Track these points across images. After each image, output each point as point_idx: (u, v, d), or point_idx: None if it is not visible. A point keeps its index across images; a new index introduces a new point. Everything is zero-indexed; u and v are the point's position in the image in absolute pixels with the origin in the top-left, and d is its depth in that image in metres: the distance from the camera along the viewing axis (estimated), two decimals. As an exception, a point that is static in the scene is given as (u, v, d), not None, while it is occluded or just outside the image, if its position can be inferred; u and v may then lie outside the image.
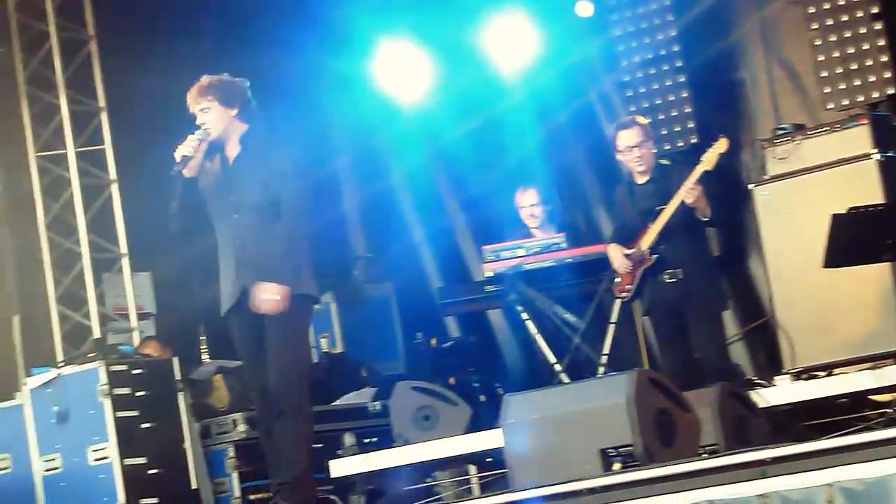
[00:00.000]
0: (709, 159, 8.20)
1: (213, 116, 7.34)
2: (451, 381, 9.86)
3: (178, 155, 7.19)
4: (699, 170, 8.15)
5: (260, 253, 7.23)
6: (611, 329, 8.96)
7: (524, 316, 9.25)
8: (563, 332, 9.12)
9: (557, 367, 9.03)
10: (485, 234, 10.55)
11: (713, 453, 6.49)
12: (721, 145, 8.25)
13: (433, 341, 10.55)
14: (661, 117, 10.68)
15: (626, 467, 6.13)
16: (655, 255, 8.28)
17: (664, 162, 8.77)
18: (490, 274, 9.29)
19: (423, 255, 11.96)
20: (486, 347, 11.01)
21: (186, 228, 7.23)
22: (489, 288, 9.41)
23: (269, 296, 7.13)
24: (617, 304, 9.02)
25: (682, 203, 8.22)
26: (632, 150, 8.42)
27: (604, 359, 8.92)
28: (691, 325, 8.34)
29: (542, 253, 9.20)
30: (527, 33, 11.02)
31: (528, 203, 9.79)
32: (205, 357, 10.57)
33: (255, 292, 7.15)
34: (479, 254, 9.63)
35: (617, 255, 8.52)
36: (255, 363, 7.37)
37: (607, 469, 6.19)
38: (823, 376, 8.58)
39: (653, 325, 8.71)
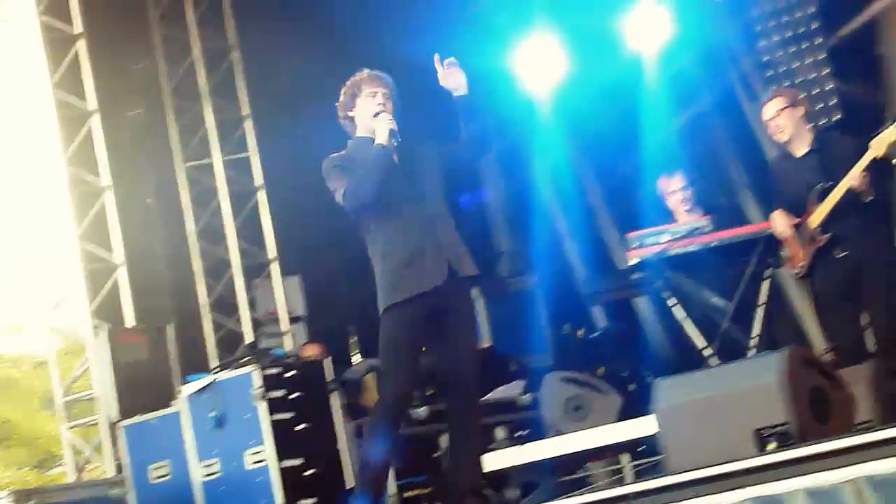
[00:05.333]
0: (878, 145, 7.98)
1: (390, 108, 7.22)
2: (600, 371, 9.82)
3: (391, 126, 7.13)
4: (868, 156, 7.94)
5: (453, 240, 7.22)
6: (760, 311, 8.87)
7: (671, 302, 9.19)
8: (712, 316, 9.05)
9: (707, 352, 8.97)
10: (628, 221, 10.50)
11: (869, 429, 6.39)
12: (893, 133, 8.02)
13: (580, 332, 10.53)
14: (802, 96, 10.55)
15: (782, 446, 6.06)
16: (827, 235, 8.11)
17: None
18: (635, 261, 9.21)
19: (567, 246, 11.96)
20: (634, 336, 10.93)
21: (377, 203, 7.09)
22: (634, 275, 9.32)
23: None
24: (766, 285, 8.94)
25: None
26: (774, 119, 8.26)
27: (754, 341, 8.84)
28: (866, 299, 8.15)
29: (687, 237, 9.10)
30: (664, 18, 10.95)
31: (677, 188, 9.70)
32: (356, 357, 10.66)
33: None
34: (623, 241, 9.58)
35: (781, 222, 8.35)
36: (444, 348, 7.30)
37: (762, 449, 6.13)
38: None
39: (823, 302, 8.52)
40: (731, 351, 8.93)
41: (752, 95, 11.23)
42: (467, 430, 7.22)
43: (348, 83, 7.30)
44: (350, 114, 7.28)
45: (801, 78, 10.61)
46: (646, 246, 9.18)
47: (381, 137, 7.07)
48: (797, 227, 8.26)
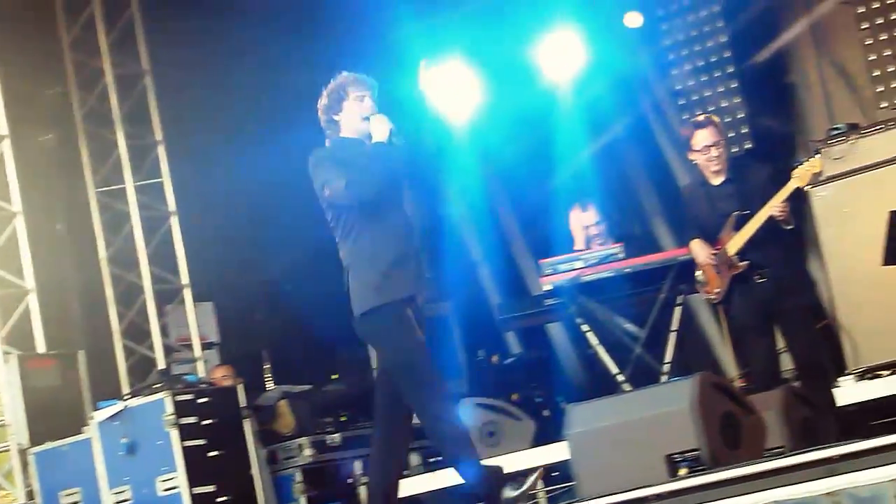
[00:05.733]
0: (802, 176, 8.08)
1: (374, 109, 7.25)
2: (514, 396, 9.83)
3: (390, 126, 7.09)
4: (792, 186, 8.04)
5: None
6: (672, 337, 8.93)
7: (584, 328, 9.23)
8: (625, 342, 9.09)
9: (620, 378, 9.01)
10: (542, 248, 10.54)
11: (779, 455, 6.45)
12: (815, 164, 8.12)
13: (494, 358, 10.54)
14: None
15: (693, 472, 6.10)
16: (745, 262, 8.18)
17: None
18: (548, 287, 9.26)
19: (481, 273, 11.97)
20: (548, 362, 10.97)
21: (377, 201, 7.08)
22: (548, 301, 9.37)
23: None
24: (678, 311, 9.00)
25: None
26: (708, 149, 8.31)
27: (666, 367, 8.89)
28: (783, 324, 8.23)
29: (600, 264, 9.16)
30: (577, 47, 11.01)
31: (590, 222, 9.77)
32: (269, 383, 10.62)
33: None
34: (537, 268, 9.61)
35: (701, 251, 8.42)
36: None
37: (673, 475, 6.17)
38: (888, 375, 8.52)
39: (739, 327, 8.59)
40: (643, 377, 8.97)
41: (665, 123, 11.34)
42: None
43: (332, 86, 7.25)
44: (335, 117, 7.22)
45: (712, 107, 10.72)
46: (559, 272, 9.22)
47: (381, 136, 7.07)
48: (714, 254, 8.33)
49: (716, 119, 8.57)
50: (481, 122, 11.51)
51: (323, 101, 7.27)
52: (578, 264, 9.22)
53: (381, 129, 7.08)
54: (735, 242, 8.18)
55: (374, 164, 7.00)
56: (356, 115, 7.17)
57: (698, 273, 8.48)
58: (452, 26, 11.26)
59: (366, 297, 7.00)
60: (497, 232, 11.99)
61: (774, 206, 8.01)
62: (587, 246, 9.72)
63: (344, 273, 7.15)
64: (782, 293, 8.12)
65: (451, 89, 11.41)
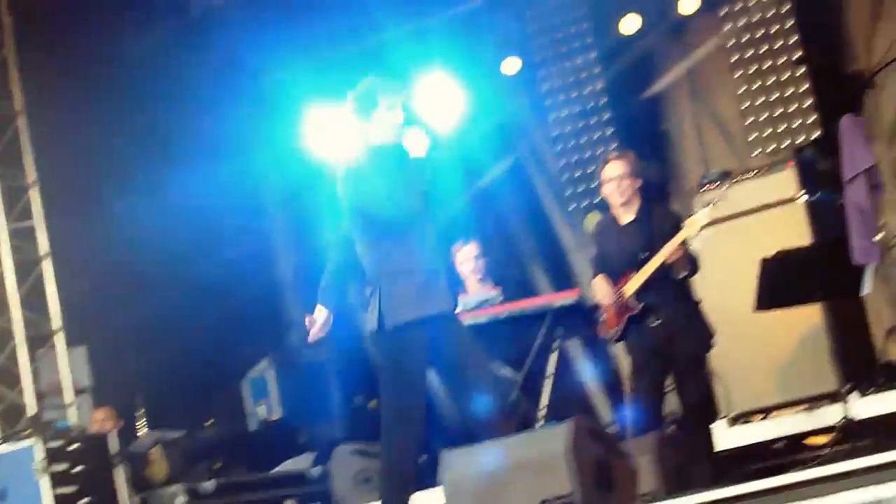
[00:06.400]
0: (691, 226, 8.14)
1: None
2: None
3: (426, 142, 6.96)
4: (681, 235, 8.11)
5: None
6: (548, 382, 8.96)
7: (461, 373, 9.20)
8: (501, 387, 9.08)
9: (496, 423, 8.99)
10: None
11: (652, 500, 6.49)
12: (707, 216, 8.20)
13: (372, 403, 10.50)
14: (591, 170, 10.78)
15: (567, 518, 6.11)
16: (642, 304, 8.23)
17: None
18: (426, 332, 9.23)
19: (360, 317, 11.91)
20: (426, 406, 10.95)
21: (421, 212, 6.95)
22: (426, 346, 9.33)
23: None
24: (554, 356, 9.03)
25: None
26: (613, 181, 8.35)
27: (542, 412, 8.91)
28: (674, 368, 8.29)
29: (478, 308, 9.18)
30: (454, 92, 11.03)
31: (469, 257, 9.78)
32: (143, 428, 10.48)
33: None
34: (416, 312, 9.57)
35: (602, 290, 8.48)
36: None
37: (547, 520, 6.17)
38: (760, 420, 8.62)
39: (633, 368, 8.65)
40: (521, 421, 8.98)
41: (542, 169, 11.42)
42: None
43: (361, 92, 7.06)
44: (366, 125, 7.05)
45: (588, 153, 10.81)
46: (437, 317, 9.19)
47: (419, 151, 6.96)
48: (614, 293, 8.40)
49: (628, 154, 8.60)
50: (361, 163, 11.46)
51: (352, 107, 7.08)
52: (457, 309, 9.21)
53: (418, 144, 6.97)
54: (633, 284, 8.24)
55: (415, 181, 6.92)
56: (388, 125, 7.01)
57: (601, 311, 8.54)
58: (332, 70, 11.25)
59: (376, 320, 7.02)
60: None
61: (666, 254, 8.09)
62: (465, 280, 9.74)
63: (368, 285, 7.12)
64: (675, 338, 8.18)
65: (330, 132, 11.38)
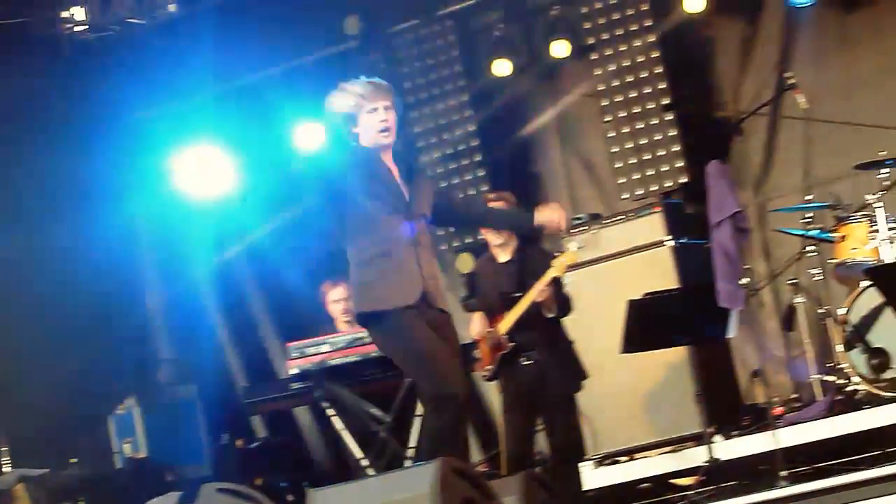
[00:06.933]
0: (558, 266, 8.23)
1: (393, 119, 7.06)
2: (258, 481, 9.73)
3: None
4: (550, 274, 8.19)
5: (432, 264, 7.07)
6: (417, 421, 8.96)
7: (330, 412, 9.20)
8: (370, 426, 9.08)
9: (364, 462, 8.99)
10: (291, 330, 10.49)
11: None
12: (572, 257, 8.28)
13: (239, 442, 10.43)
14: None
15: (433, 557, 6.10)
16: (513, 343, 8.28)
17: None
18: (295, 371, 9.21)
19: (229, 355, 11.85)
20: (294, 446, 10.91)
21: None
22: (294, 385, 9.31)
23: None
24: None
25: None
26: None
27: (411, 451, 8.91)
28: (544, 408, 8.33)
29: (348, 348, 9.17)
30: (318, 131, 10.99)
31: (340, 297, 9.79)
32: (6, 466, 10.28)
33: None
34: (284, 351, 9.56)
35: (477, 328, 8.56)
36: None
37: (414, 560, 6.15)
38: (626, 461, 8.69)
39: (504, 406, 8.68)
40: (389, 461, 8.98)
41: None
42: None
43: (347, 95, 7.04)
44: (354, 130, 7.01)
45: (460, 194, 10.87)
46: (306, 356, 9.20)
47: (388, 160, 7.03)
48: (488, 331, 8.45)
49: (506, 195, 8.64)
50: (233, 203, 11.43)
51: (340, 112, 7.04)
52: (325, 348, 9.21)
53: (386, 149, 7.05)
54: (505, 323, 8.30)
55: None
56: (373, 129, 7.00)
57: (477, 349, 8.58)
58: (200, 110, 11.21)
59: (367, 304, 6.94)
60: (245, 314, 11.89)
61: (535, 294, 8.16)
62: (335, 319, 9.74)
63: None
64: (545, 377, 8.24)
65: (204, 171, 11.32)
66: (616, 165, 10.47)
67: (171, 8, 10.94)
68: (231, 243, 11.73)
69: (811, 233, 9.10)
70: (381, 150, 7.04)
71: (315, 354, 9.18)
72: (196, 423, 10.91)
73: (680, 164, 10.26)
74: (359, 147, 7.04)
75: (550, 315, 8.26)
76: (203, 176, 11.39)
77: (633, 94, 10.46)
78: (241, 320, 11.86)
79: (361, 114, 7.01)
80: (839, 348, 8.31)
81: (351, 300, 7.23)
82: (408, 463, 8.84)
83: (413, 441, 8.95)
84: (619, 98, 10.50)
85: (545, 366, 8.27)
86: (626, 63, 10.46)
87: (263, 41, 10.83)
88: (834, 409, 8.19)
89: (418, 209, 7.03)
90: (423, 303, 6.88)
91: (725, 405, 9.02)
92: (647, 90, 10.42)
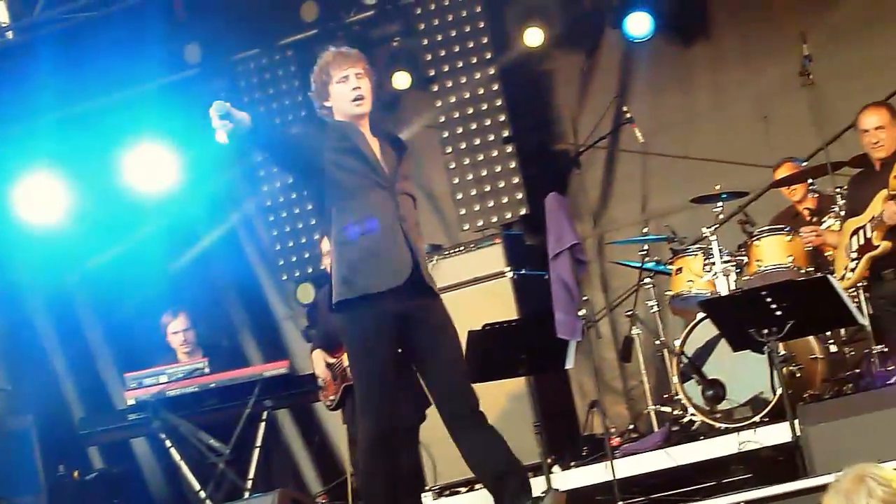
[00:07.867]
0: None
1: (367, 87, 6.65)
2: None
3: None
4: None
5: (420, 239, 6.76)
6: (256, 452, 8.91)
7: (168, 443, 9.10)
8: (209, 458, 9.00)
9: (202, 494, 8.91)
10: (129, 360, 10.38)
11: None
12: None
13: (76, 474, 10.27)
14: (304, 240, 10.85)
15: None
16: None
17: None
18: (132, 402, 9.10)
19: (65, 385, 11.67)
20: (131, 477, 10.77)
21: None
22: (132, 416, 9.20)
23: None
24: (262, 427, 8.99)
25: None
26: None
27: (250, 483, 8.86)
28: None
29: (186, 379, 9.09)
30: (167, 159, 10.93)
31: (179, 328, 9.73)
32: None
33: None
34: (122, 381, 9.44)
35: (320, 362, 8.59)
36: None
37: None
38: (465, 492, 8.73)
39: (349, 435, 8.65)
40: (228, 493, 8.91)
41: (255, 238, 11.40)
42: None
43: (316, 69, 6.68)
44: (326, 104, 6.66)
45: (301, 224, 10.87)
46: (144, 387, 9.10)
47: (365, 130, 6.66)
48: (330, 364, 8.45)
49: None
50: (69, 231, 11.26)
51: (312, 89, 6.73)
52: (163, 378, 9.12)
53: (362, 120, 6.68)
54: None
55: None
56: (345, 99, 6.61)
57: (320, 380, 8.58)
58: (40, 134, 11.04)
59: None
60: (82, 343, 11.72)
61: None
62: (176, 350, 9.67)
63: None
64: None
65: (37, 197, 11.14)
66: (457, 197, 10.53)
67: (9, 35, 10.80)
68: (68, 271, 11.56)
69: (648, 265, 9.27)
70: (357, 122, 6.67)
71: (153, 385, 9.08)
72: (31, 454, 10.70)
73: (520, 195, 10.35)
74: (332, 122, 6.69)
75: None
76: (39, 203, 11.20)
77: (474, 126, 10.54)
78: (78, 349, 11.69)
79: (331, 84, 6.65)
80: (675, 380, 8.45)
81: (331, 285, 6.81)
82: (246, 494, 8.78)
83: (252, 472, 8.90)
84: (460, 130, 10.58)
85: None
86: (467, 95, 10.54)
87: (105, 67, 10.73)
88: (670, 440, 8.32)
89: (399, 181, 6.68)
90: (412, 284, 6.60)
91: (564, 436, 9.12)
92: (487, 122, 10.51)
